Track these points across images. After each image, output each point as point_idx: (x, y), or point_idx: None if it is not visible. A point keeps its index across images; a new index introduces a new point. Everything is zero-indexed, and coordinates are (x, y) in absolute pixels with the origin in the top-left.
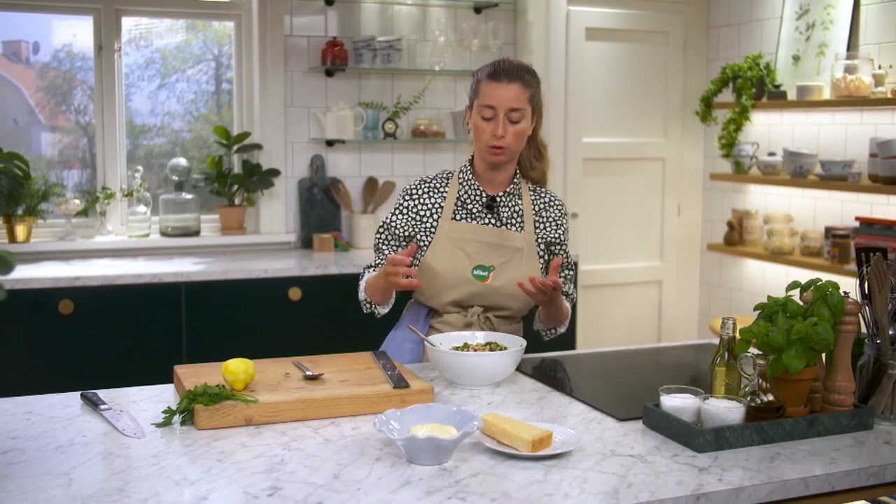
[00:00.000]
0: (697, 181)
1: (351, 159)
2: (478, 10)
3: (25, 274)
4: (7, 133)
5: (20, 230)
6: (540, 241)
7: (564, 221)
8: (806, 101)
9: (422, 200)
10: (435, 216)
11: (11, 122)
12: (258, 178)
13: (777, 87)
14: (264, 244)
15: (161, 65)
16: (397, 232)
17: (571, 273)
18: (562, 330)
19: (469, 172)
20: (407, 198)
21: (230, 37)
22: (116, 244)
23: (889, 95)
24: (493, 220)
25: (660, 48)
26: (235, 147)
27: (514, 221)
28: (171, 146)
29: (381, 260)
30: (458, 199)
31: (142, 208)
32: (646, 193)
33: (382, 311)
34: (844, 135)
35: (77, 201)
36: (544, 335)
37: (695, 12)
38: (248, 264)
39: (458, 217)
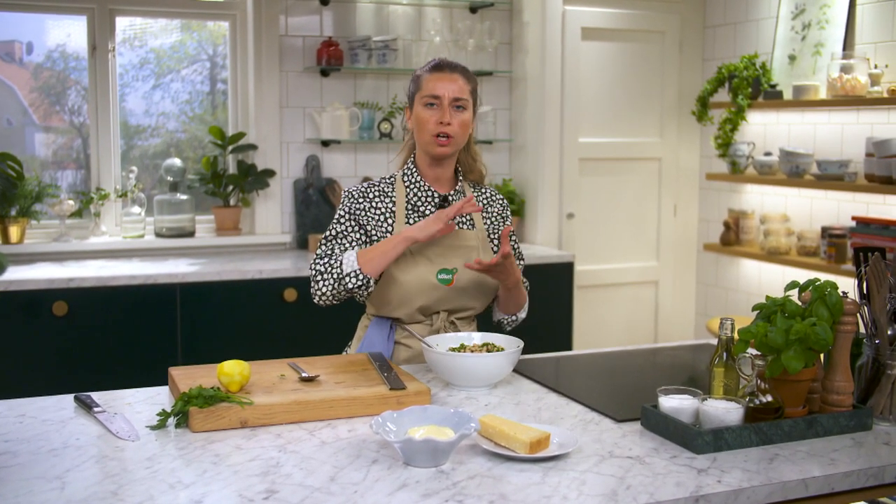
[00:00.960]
0: (694, 181)
1: (346, 159)
2: (473, 9)
3: (19, 275)
4: (0, 134)
5: (14, 231)
6: (491, 235)
7: (508, 214)
8: (802, 101)
9: (374, 204)
10: (388, 221)
11: (5, 123)
12: (253, 179)
13: (773, 86)
14: (259, 245)
15: (155, 65)
16: (363, 224)
17: (522, 263)
18: (522, 315)
19: (415, 174)
20: (361, 199)
21: (225, 37)
22: (111, 245)
23: (885, 95)
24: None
25: (656, 48)
26: (230, 147)
27: (465, 220)
28: (166, 146)
29: (354, 242)
30: (408, 202)
31: (136, 209)
32: (642, 193)
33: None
34: (841, 134)
35: (71, 202)
36: (506, 324)
37: (691, 12)
38: (243, 265)
39: (411, 221)
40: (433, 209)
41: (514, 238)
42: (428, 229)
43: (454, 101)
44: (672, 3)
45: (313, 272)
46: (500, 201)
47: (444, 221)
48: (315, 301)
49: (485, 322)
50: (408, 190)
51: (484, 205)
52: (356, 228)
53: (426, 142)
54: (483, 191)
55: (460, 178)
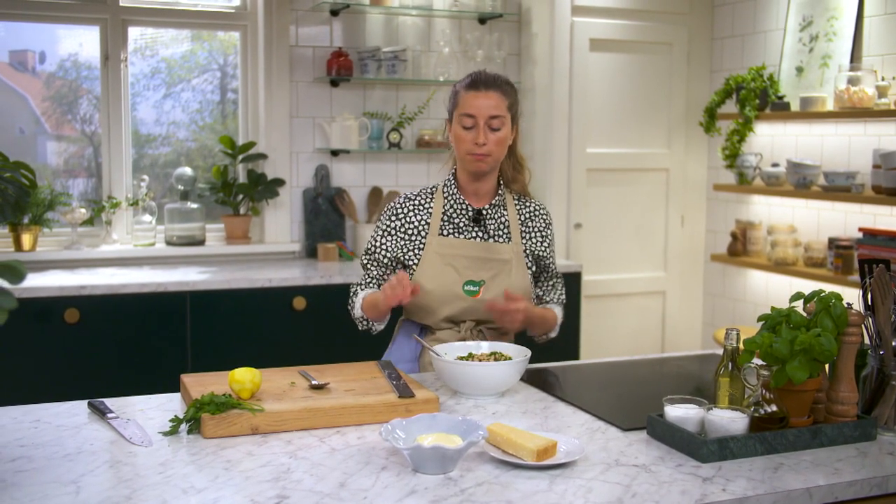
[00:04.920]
0: (701, 192)
1: (355, 169)
2: (482, 21)
3: (31, 283)
4: (13, 142)
5: (26, 239)
6: (528, 251)
7: (549, 233)
8: (809, 113)
9: (408, 219)
10: (422, 233)
11: (17, 132)
12: (263, 188)
13: (780, 98)
14: (269, 253)
15: (167, 74)
16: (386, 255)
17: (559, 281)
18: (553, 335)
19: (453, 186)
20: (393, 218)
21: (236, 47)
22: (122, 253)
23: (892, 107)
24: (480, 234)
25: (664, 59)
26: (240, 157)
27: (500, 233)
28: (177, 155)
29: (371, 279)
30: (443, 213)
31: (147, 217)
32: (649, 204)
33: (379, 327)
34: (848, 146)
35: (83, 210)
36: (536, 340)
37: (698, 24)
38: (252, 273)
39: (444, 232)
40: (467, 222)
41: (552, 259)
42: (387, 300)
43: (489, 119)
44: (680, 14)
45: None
46: (544, 218)
47: (395, 290)
48: None
49: (520, 334)
50: (445, 201)
51: (526, 218)
52: (376, 265)
53: (462, 158)
54: (527, 204)
55: (501, 190)
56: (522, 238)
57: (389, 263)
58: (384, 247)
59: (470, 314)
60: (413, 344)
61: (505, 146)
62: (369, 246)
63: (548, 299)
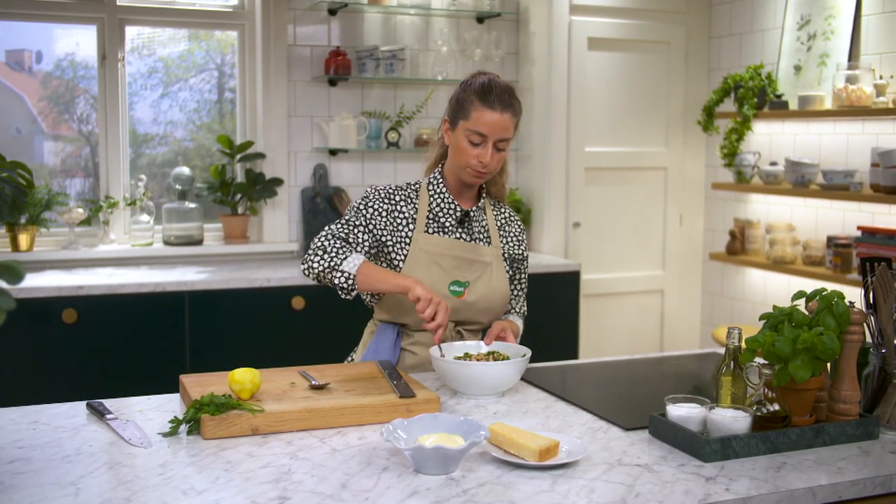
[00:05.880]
0: (699, 190)
1: (354, 168)
2: (480, 20)
3: (29, 283)
4: (10, 142)
5: (23, 239)
6: (506, 255)
7: (524, 238)
8: (807, 111)
9: (398, 207)
10: (409, 226)
11: (14, 131)
12: (261, 188)
13: (778, 96)
14: (267, 253)
15: (164, 74)
16: (373, 232)
17: (525, 291)
18: None
19: (441, 185)
20: (386, 201)
21: (233, 46)
22: (119, 253)
23: (890, 105)
24: (464, 235)
25: (662, 58)
26: (238, 156)
27: (482, 236)
28: (174, 155)
29: (357, 242)
30: (430, 211)
31: (145, 217)
32: (648, 203)
33: (351, 297)
34: (846, 144)
35: (80, 210)
36: None
37: (696, 22)
38: (250, 273)
39: (430, 230)
40: (454, 222)
41: (526, 264)
42: (430, 297)
43: (498, 141)
44: (678, 13)
45: (318, 244)
46: (518, 224)
47: (436, 316)
48: (302, 269)
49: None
50: (431, 199)
51: (502, 224)
52: (365, 230)
53: (461, 169)
54: (502, 210)
55: (483, 193)
56: (500, 241)
57: (376, 240)
58: (373, 224)
59: (452, 315)
60: (390, 347)
61: (502, 163)
62: (360, 212)
63: (510, 307)
